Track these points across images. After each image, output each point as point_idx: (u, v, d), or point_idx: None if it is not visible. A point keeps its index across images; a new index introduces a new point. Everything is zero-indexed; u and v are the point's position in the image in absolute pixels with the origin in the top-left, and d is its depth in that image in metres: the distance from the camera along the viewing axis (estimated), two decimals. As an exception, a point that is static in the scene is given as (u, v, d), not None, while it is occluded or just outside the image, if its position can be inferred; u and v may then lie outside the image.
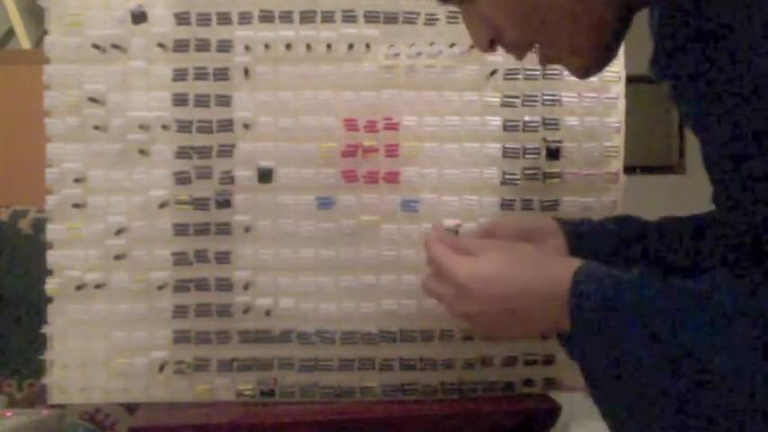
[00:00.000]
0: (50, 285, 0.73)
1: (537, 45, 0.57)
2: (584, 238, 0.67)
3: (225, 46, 0.73)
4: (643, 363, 0.48)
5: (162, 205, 0.73)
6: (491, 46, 0.57)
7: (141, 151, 0.73)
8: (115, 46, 0.73)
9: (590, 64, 0.56)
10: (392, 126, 0.74)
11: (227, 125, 0.74)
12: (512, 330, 0.59)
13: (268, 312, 0.74)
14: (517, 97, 0.75)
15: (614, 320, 0.50)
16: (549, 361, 0.76)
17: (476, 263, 0.58)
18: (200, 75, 0.73)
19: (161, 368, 0.73)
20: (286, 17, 0.74)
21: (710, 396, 0.45)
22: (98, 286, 0.73)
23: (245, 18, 0.73)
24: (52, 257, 0.73)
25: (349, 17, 0.74)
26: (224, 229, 0.74)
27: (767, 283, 0.45)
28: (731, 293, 0.46)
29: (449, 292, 0.59)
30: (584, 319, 0.52)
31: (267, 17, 0.73)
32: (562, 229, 0.67)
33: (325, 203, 0.74)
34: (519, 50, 0.57)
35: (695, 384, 0.46)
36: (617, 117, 0.76)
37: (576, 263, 0.55)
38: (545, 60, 0.57)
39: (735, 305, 0.45)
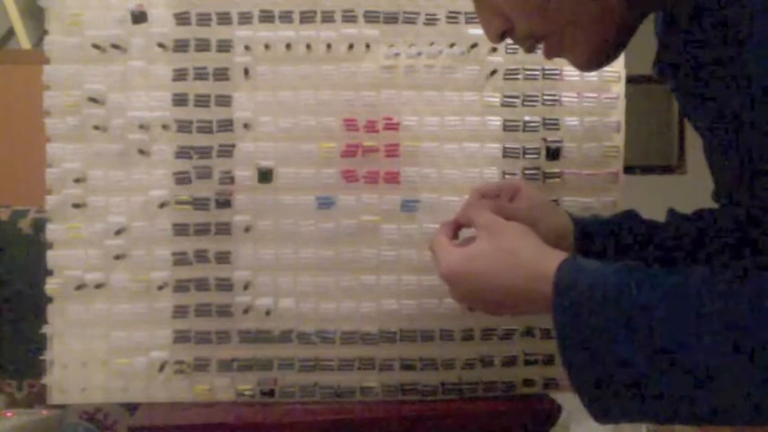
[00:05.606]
0: (50, 285, 0.73)
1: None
2: (594, 241, 0.67)
3: (225, 46, 0.73)
4: (622, 355, 0.49)
5: (162, 205, 0.73)
6: (502, 38, 0.57)
7: (141, 151, 0.73)
8: (115, 46, 0.73)
9: (596, 58, 0.56)
10: (392, 126, 0.74)
11: (227, 125, 0.74)
12: (502, 313, 0.60)
13: (268, 312, 0.74)
14: (517, 97, 0.75)
15: (595, 313, 0.50)
16: (549, 361, 0.76)
17: (459, 257, 0.58)
18: (200, 75, 0.73)
19: (161, 368, 0.73)
20: (286, 17, 0.74)
21: (683, 387, 0.46)
22: (98, 286, 0.73)
23: (245, 18, 0.73)
24: (52, 257, 0.73)
25: (349, 17, 0.74)
26: (224, 229, 0.74)
27: (743, 280, 0.46)
28: (708, 289, 0.46)
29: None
30: (566, 315, 0.52)
31: (267, 17, 0.73)
32: (575, 243, 0.66)
33: (325, 203, 0.74)
34: (529, 43, 0.57)
35: (669, 376, 0.46)
36: (617, 117, 0.76)
37: (560, 258, 0.54)
38: (550, 53, 0.57)
39: (709, 301, 0.46)
